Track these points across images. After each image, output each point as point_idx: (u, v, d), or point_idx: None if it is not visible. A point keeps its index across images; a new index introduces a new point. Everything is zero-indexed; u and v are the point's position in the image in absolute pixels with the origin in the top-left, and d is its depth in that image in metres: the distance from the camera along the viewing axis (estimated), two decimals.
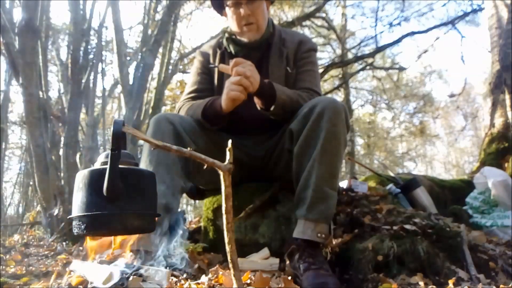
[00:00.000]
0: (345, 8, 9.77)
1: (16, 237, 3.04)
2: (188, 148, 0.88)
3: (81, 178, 0.90)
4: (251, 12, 1.61)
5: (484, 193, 2.44)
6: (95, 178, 0.88)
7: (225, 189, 0.86)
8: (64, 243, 2.43)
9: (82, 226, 0.88)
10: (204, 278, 1.22)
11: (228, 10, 1.66)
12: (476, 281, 1.30)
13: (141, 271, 1.01)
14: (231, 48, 1.72)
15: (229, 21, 1.70)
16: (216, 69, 1.71)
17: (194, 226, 2.39)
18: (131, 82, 3.95)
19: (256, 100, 1.53)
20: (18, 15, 2.91)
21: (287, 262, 1.43)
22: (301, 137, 1.42)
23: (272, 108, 1.49)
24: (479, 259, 1.48)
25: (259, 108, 1.55)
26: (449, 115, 16.30)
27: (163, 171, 1.43)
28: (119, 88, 5.46)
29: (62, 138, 3.07)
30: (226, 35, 1.72)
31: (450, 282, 1.21)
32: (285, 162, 1.59)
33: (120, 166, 0.87)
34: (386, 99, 12.29)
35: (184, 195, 1.78)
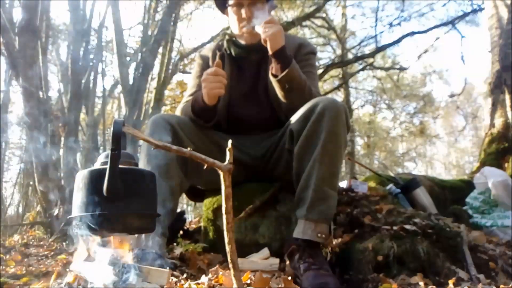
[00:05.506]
0: (345, 8, 9.76)
1: (16, 237, 3.03)
2: (188, 148, 0.88)
3: (81, 178, 0.90)
4: (252, 14, 1.61)
5: (484, 193, 2.43)
6: (95, 178, 0.88)
7: (225, 189, 0.86)
8: (64, 243, 2.43)
9: (82, 226, 0.88)
10: (204, 278, 1.22)
11: (230, 11, 1.66)
12: (476, 281, 1.30)
13: (141, 271, 1.00)
14: (232, 50, 1.72)
15: (230, 22, 1.70)
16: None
17: (194, 226, 2.39)
18: (131, 82, 3.96)
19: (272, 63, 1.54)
20: (18, 15, 2.91)
21: (287, 262, 1.43)
22: (301, 137, 1.42)
23: (284, 73, 1.49)
24: (479, 259, 1.48)
25: (270, 74, 1.56)
26: (449, 115, 16.29)
27: (161, 171, 1.43)
28: (119, 88, 5.46)
29: (62, 138, 3.08)
30: (227, 37, 1.72)
31: (450, 282, 1.21)
32: (285, 162, 1.59)
33: (120, 166, 0.87)
34: (386, 99, 12.28)
35: (184, 195, 1.78)
